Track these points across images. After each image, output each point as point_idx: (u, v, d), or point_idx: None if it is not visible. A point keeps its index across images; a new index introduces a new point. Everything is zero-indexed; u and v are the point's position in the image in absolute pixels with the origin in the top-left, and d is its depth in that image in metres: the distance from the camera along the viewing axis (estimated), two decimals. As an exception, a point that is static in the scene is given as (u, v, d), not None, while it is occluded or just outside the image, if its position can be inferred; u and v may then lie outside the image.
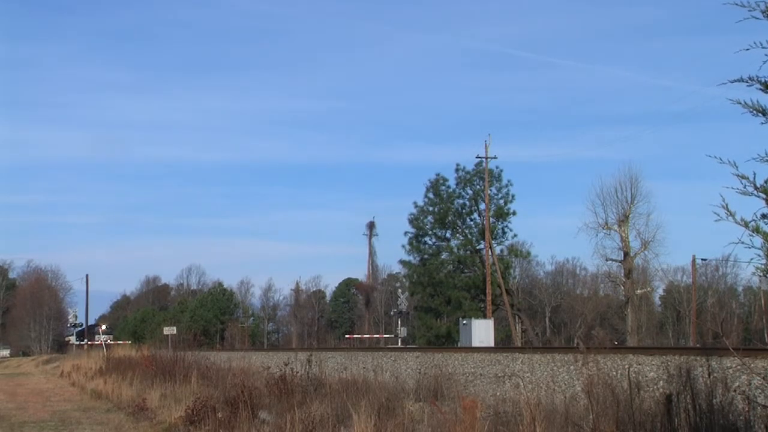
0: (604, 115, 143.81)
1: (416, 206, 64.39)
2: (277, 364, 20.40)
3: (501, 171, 61.53)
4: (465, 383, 20.07)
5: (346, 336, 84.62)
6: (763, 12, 5.45)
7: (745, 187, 5.64)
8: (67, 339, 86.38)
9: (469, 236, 62.92)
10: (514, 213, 61.70)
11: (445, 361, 22.60)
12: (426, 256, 64.02)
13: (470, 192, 62.78)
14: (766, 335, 63.25)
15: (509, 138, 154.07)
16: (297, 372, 17.92)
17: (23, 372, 52.64)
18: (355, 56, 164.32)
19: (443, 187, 63.53)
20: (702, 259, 65.08)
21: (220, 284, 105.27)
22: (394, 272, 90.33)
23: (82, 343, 72.68)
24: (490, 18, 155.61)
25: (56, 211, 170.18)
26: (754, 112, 5.61)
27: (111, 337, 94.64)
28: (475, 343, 41.91)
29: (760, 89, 5.59)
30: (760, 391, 12.22)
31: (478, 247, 62.40)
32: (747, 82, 5.60)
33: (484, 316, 52.88)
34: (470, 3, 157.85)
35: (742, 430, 8.92)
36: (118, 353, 38.95)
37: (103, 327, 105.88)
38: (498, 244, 61.62)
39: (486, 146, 57.28)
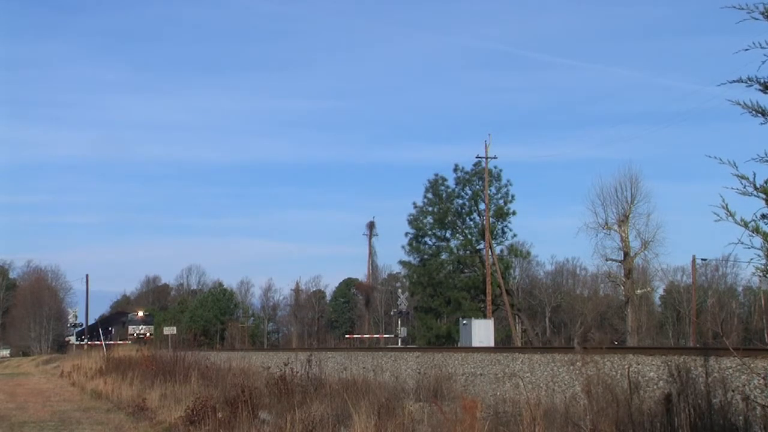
0: (604, 115, 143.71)
1: (415, 206, 64.49)
2: (277, 364, 20.42)
3: (500, 171, 61.64)
4: (465, 383, 20.08)
5: (346, 336, 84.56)
6: (762, 13, 5.46)
7: (744, 188, 5.65)
8: (67, 339, 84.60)
9: (469, 236, 62.93)
10: (513, 213, 61.81)
11: (445, 361, 22.60)
12: (426, 257, 64.01)
13: (469, 192, 62.84)
14: (766, 335, 63.23)
15: (509, 138, 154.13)
16: (297, 372, 17.94)
17: (23, 372, 52.61)
18: (355, 56, 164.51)
19: (442, 188, 63.57)
20: (702, 259, 65.16)
21: (220, 284, 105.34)
22: (394, 272, 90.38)
23: (82, 342, 72.04)
24: (490, 18, 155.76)
25: (56, 211, 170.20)
26: (754, 112, 5.62)
27: (151, 328, 77.97)
28: (475, 343, 41.89)
29: (760, 90, 5.60)
30: (759, 391, 12.22)
31: (478, 247, 62.42)
32: (746, 82, 5.61)
33: (484, 316, 52.87)
34: (471, 3, 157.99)
35: (742, 430, 8.92)
36: (118, 353, 38.94)
37: (140, 313, 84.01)
38: (498, 244, 61.71)
39: (486, 146, 57.35)
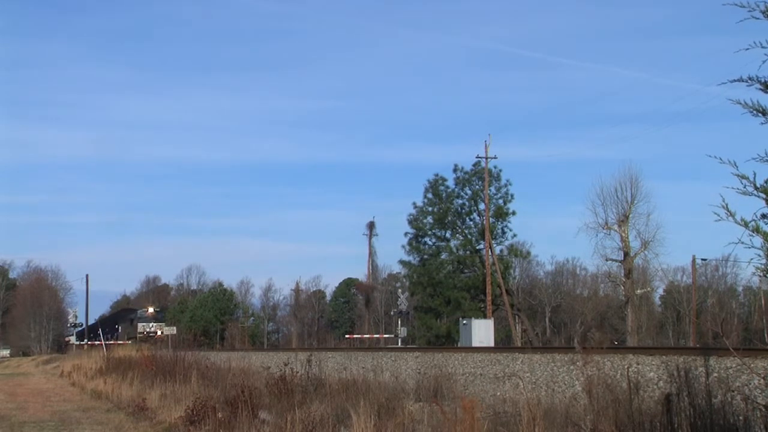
0: (604, 115, 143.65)
1: (415, 207, 64.48)
2: (277, 364, 20.42)
3: (500, 171, 61.60)
4: (465, 383, 20.08)
5: (346, 336, 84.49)
6: (762, 12, 5.45)
7: (745, 187, 5.65)
8: (67, 339, 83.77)
9: (469, 236, 62.92)
10: (513, 213, 61.78)
11: (445, 361, 22.59)
12: (426, 257, 64.01)
13: (469, 192, 62.83)
14: (766, 335, 63.23)
15: (509, 138, 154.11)
16: (297, 372, 17.95)
17: (23, 372, 52.60)
18: (355, 56, 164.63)
19: (442, 188, 63.57)
20: (702, 259, 65.18)
21: (220, 284, 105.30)
22: (394, 272, 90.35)
23: (82, 343, 71.68)
24: (490, 18, 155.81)
25: (56, 211, 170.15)
26: (754, 112, 5.61)
27: (163, 326, 73.32)
28: (475, 343, 41.86)
29: (760, 89, 5.59)
30: (759, 391, 12.22)
31: (477, 247, 62.39)
32: (747, 82, 5.61)
33: (484, 316, 52.85)
34: (471, 3, 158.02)
35: (742, 430, 8.91)
36: (118, 353, 38.92)
37: (151, 309, 79.42)
38: (498, 244, 61.68)
39: (486, 146, 57.33)
